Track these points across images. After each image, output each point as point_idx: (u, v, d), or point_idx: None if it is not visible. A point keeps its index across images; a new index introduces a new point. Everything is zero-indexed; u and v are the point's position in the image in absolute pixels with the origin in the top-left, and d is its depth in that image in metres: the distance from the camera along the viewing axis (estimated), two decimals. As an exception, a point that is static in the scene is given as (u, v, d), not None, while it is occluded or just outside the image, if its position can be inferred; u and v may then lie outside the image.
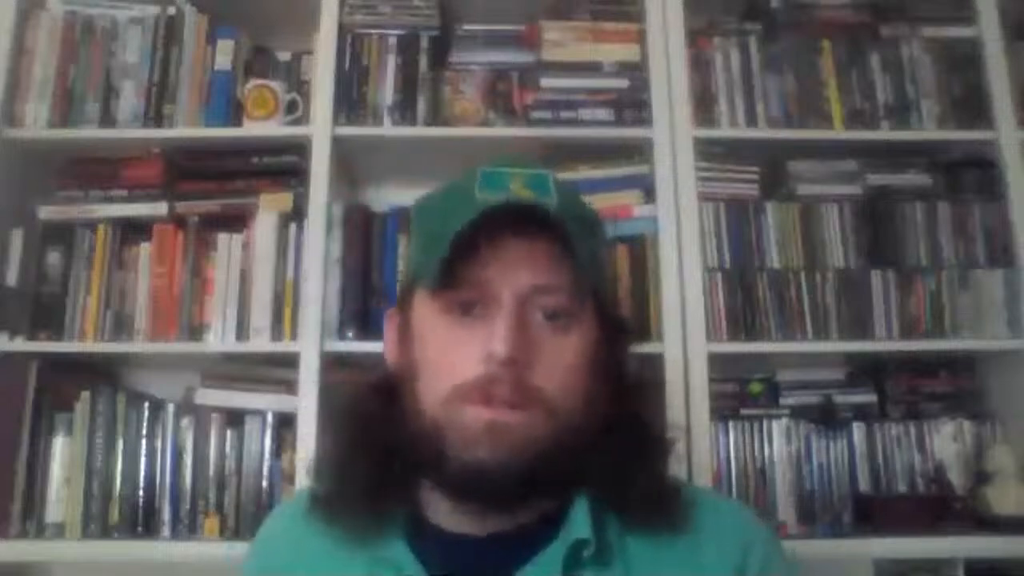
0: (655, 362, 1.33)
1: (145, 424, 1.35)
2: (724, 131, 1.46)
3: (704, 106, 1.47)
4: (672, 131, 1.42)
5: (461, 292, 0.59)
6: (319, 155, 1.39)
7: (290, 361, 1.32)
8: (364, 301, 1.37)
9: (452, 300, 0.59)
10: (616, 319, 0.66)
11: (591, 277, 0.60)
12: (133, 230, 1.41)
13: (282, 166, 1.44)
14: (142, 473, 1.32)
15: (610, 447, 0.61)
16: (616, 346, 0.65)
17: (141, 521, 1.31)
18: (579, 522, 0.59)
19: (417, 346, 0.62)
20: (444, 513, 0.62)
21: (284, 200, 1.41)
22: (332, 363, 1.33)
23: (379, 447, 0.62)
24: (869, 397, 1.46)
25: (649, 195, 1.42)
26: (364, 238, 1.41)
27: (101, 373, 1.44)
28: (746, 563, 0.61)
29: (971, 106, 1.48)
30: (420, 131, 1.45)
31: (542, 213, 0.57)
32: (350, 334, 1.35)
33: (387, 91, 1.46)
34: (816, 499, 1.36)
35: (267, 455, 1.33)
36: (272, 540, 0.72)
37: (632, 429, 0.63)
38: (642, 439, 0.64)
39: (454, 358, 0.58)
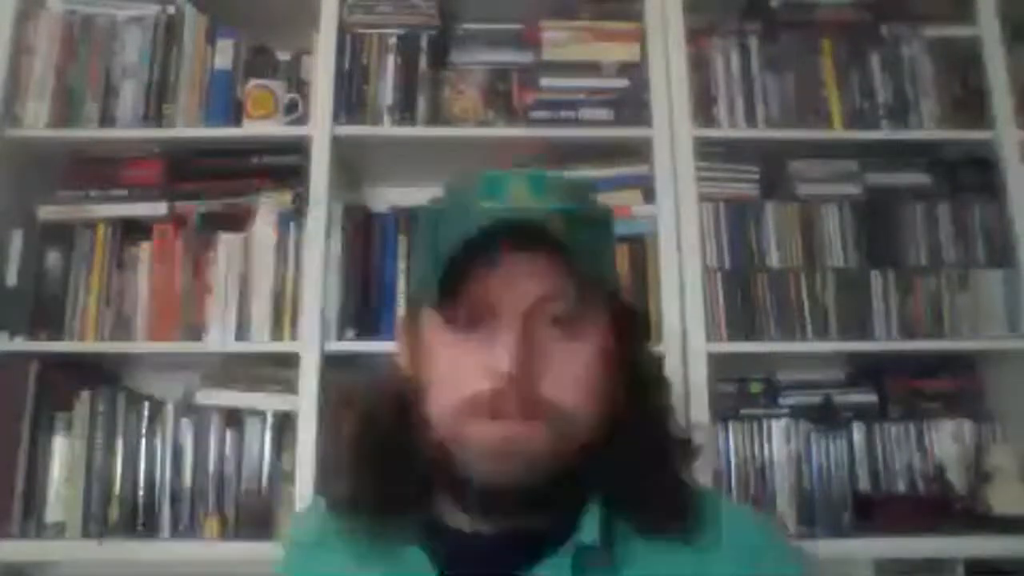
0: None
1: (145, 424, 1.34)
2: (724, 131, 1.46)
3: (704, 106, 1.47)
4: (672, 131, 1.42)
5: (464, 309, 0.58)
6: (319, 155, 1.39)
7: (290, 361, 1.32)
8: (364, 301, 1.37)
9: (456, 316, 0.59)
10: (629, 316, 0.64)
11: (598, 278, 0.59)
12: (133, 230, 1.41)
13: (282, 166, 1.44)
14: (142, 473, 1.32)
15: (625, 451, 0.60)
16: (631, 345, 0.64)
17: (141, 521, 1.31)
18: (588, 528, 0.58)
19: (425, 360, 0.62)
20: (458, 514, 0.62)
21: (284, 200, 1.41)
22: (339, 366, 1.33)
23: (396, 458, 0.62)
24: (869, 397, 1.46)
25: (649, 195, 1.42)
26: (364, 238, 1.41)
27: (101, 373, 1.44)
28: (759, 568, 0.60)
29: (971, 106, 1.48)
30: (420, 131, 1.45)
31: (541, 223, 0.56)
32: (350, 334, 1.35)
33: (387, 91, 1.46)
34: (816, 499, 1.36)
35: (267, 455, 1.33)
36: (299, 553, 0.72)
37: (649, 431, 0.62)
38: (658, 442, 0.63)
39: (460, 374, 0.58)
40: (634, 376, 0.63)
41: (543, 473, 0.56)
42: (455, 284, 0.57)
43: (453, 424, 0.58)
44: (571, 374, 0.57)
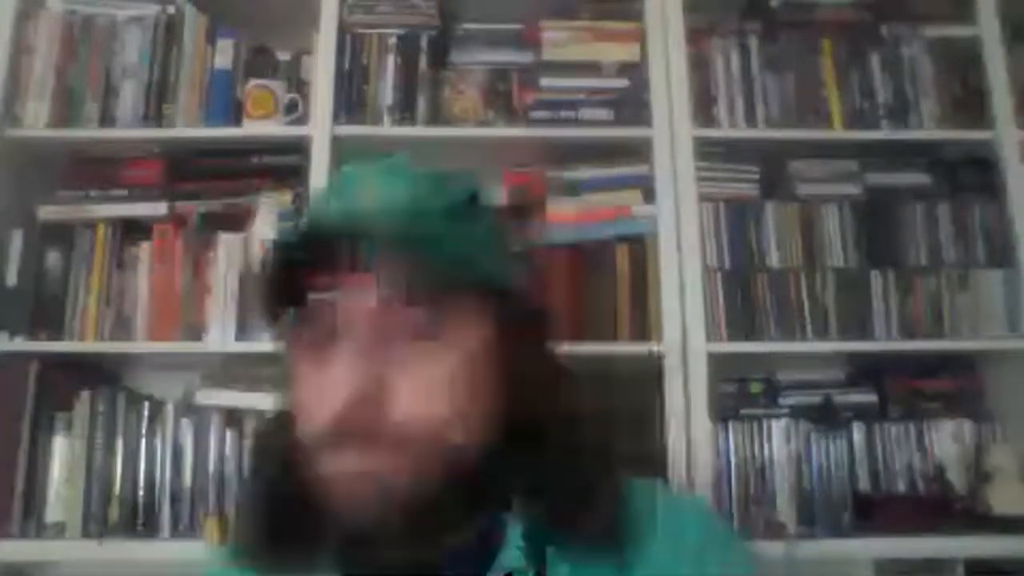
0: (655, 362, 1.33)
1: (145, 424, 1.34)
2: (724, 131, 1.46)
3: (704, 106, 1.47)
4: (672, 131, 1.42)
5: (307, 328, 0.52)
6: (319, 155, 1.39)
7: (290, 361, 1.32)
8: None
9: (302, 338, 0.53)
10: (522, 309, 0.56)
11: (467, 277, 0.52)
12: (133, 230, 1.41)
13: (282, 166, 1.44)
14: (142, 473, 1.32)
15: (531, 460, 0.53)
16: (525, 342, 0.56)
17: (141, 521, 1.31)
18: (511, 551, 0.53)
19: (290, 389, 0.55)
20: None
21: (284, 200, 1.41)
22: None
23: (285, 507, 0.54)
24: (869, 397, 1.46)
25: (649, 195, 1.42)
26: (364, 238, 1.40)
27: (101, 373, 1.44)
28: (703, 570, 0.57)
29: (971, 106, 1.48)
30: (420, 131, 1.45)
31: (380, 226, 0.50)
32: (350, 334, 1.35)
33: (387, 91, 1.46)
34: (816, 499, 1.36)
35: (267, 455, 1.33)
36: None
37: (554, 437, 0.55)
38: (565, 448, 0.56)
39: (310, 404, 0.51)
40: (533, 376, 0.56)
41: (408, 507, 0.48)
42: (295, 301, 0.51)
43: (312, 461, 0.50)
44: (430, 385, 0.50)
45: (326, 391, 0.49)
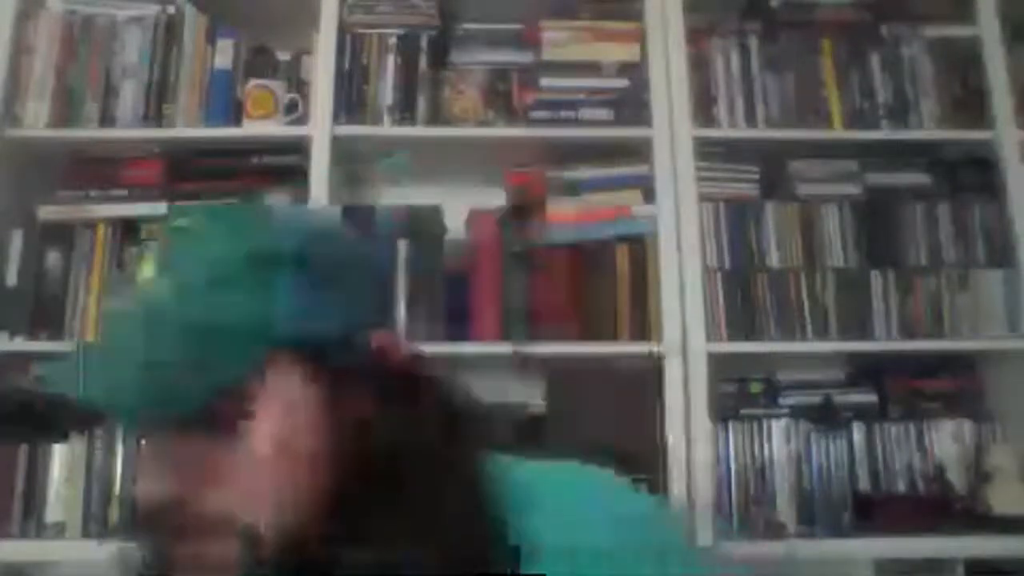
0: (655, 362, 1.33)
1: (145, 424, 1.34)
2: (724, 131, 1.46)
3: (704, 106, 1.47)
4: (672, 131, 1.42)
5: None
6: (319, 155, 1.39)
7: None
8: (364, 301, 1.37)
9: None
10: (343, 365, 0.52)
11: (233, 374, 0.48)
12: (133, 230, 1.41)
13: (282, 166, 1.44)
14: (142, 473, 1.32)
15: (383, 524, 0.49)
16: (353, 397, 0.51)
17: (141, 521, 1.31)
18: None
19: None
20: None
21: (284, 200, 1.41)
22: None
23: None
24: (869, 397, 1.46)
25: (649, 195, 1.42)
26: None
27: (101, 373, 1.44)
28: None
29: (971, 106, 1.48)
30: (420, 131, 1.45)
31: (125, 398, 0.48)
32: (350, 334, 1.35)
33: (387, 91, 1.46)
34: (816, 499, 1.36)
35: (267, 455, 1.33)
36: None
37: (415, 488, 0.51)
38: (428, 497, 0.50)
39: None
40: (372, 427, 0.52)
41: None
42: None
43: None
44: (242, 474, 0.49)
45: (143, 488, 0.49)
